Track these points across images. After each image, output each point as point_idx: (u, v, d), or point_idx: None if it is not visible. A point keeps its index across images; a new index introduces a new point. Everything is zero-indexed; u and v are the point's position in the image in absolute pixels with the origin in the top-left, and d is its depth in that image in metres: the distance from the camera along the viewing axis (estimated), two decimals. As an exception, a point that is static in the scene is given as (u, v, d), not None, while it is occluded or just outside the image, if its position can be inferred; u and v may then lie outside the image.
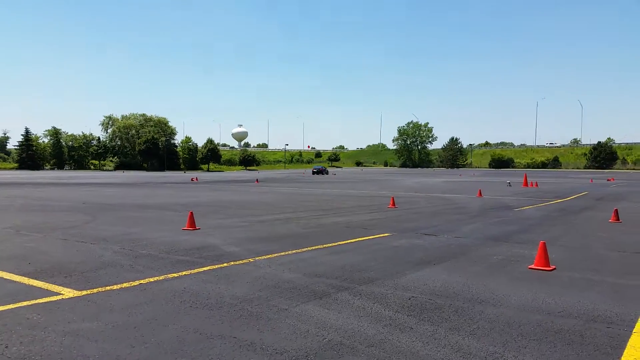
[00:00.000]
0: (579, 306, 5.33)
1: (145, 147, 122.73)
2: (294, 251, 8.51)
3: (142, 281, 6.25)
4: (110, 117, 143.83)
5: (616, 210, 14.14)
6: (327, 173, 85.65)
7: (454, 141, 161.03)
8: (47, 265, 7.18)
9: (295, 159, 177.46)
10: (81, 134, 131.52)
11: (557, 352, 4.01)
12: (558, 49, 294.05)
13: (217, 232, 10.88)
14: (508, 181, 42.70)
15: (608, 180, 53.72)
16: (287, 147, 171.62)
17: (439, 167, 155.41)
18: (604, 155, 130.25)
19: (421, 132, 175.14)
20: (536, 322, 4.78)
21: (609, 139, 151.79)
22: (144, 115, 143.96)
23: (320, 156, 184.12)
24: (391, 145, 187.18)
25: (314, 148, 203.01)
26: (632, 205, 19.39)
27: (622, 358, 3.91)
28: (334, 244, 9.38)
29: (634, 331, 4.54)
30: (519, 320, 4.83)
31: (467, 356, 3.91)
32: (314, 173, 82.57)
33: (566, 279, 6.64)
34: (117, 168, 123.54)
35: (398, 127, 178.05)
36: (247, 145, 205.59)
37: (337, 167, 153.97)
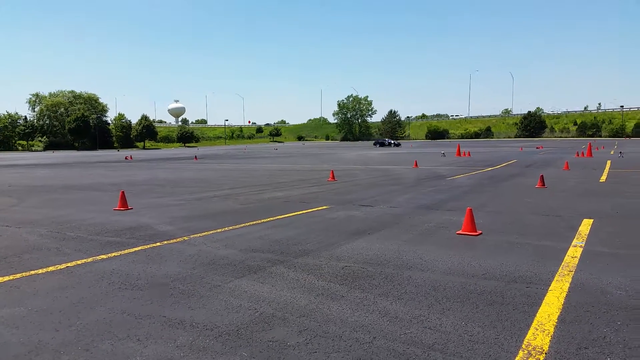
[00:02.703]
0: (501, 268, 5.62)
1: (75, 125, 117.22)
2: (230, 227, 8.44)
3: (69, 264, 6.03)
4: (37, 95, 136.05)
5: (542, 176, 14.91)
6: (394, 145, 72.42)
7: (392, 114, 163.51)
8: (-36, 253, 6.77)
9: (236, 134, 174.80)
10: (5, 113, 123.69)
11: (479, 313, 4.22)
12: (490, 22, 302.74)
13: (151, 211, 10.62)
14: (442, 152, 44.07)
15: (537, 148, 56.46)
16: (227, 123, 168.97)
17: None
18: (533, 125, 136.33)
19: (361, 106, 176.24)
20: (460, 284, 5.01)
21: (538, 108, 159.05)
22: (72, 92, 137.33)
23: (262, 131, 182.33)
24: (332, 119, 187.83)
25: (255, 123, 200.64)
26: (558, 171, 20.51)
27: (537, 314, 4.16)
28: (271, 218, 9.39)
29: (549, 289, 4.84)
30: (445, 283, 5.05)
31: (394, 320, 4.05)
32: (377, 144, 74.00)
33: (491, 243, 6.97)
34: (46, 148, 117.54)
35: (338, 101, 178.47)
36: (185, 121, 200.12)
37: (278, 142, 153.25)
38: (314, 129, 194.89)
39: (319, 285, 5.05)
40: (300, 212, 10.17)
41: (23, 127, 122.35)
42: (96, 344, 3.63)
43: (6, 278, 5.46)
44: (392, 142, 77.79)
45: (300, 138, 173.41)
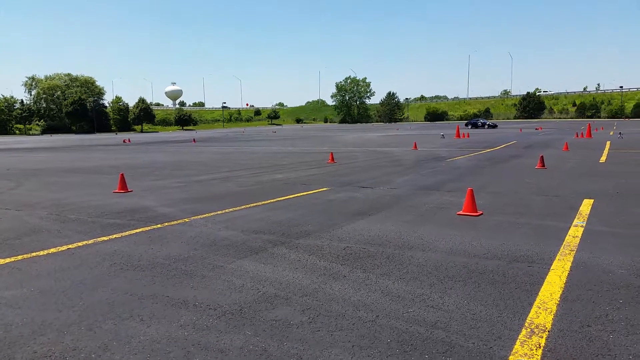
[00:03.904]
0: (503, 248, 5.62)
1: (72, 108, 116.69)
2: (231, 209, 8.43)
3: (70, 246, 6.03)
4: (33, 78, 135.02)
5: (542, 156, 14.89)
6: (489, 126, 63.09)
7: (391, 96, 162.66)
8: (-35, 235, 6.76)
9: (234, 117, 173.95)
10: (1, 97, 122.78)
11: (481, 292, 4.22)
12: (489, 2, 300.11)
13: (151, 193, 10.60)
14: (442, 133, 43.99)
15: (536, 129, 56.34)
16: (225, 106, 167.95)
17: (378, 122, 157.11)
18: (532, 106, 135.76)
19: (359, 88, 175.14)
20: (462, 264, 5.01)
21: (537, 89, 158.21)
22: (69, 75, 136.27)
23: (260, 114, 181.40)
24: (330, 102, 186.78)
25: (253, 106, 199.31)
26: (557, 152, 20.48)
27: (540, 293, 4.17)
28: (272, 200, 9.37)
29: (551, 268, 4.84)
30: (446, 263, 5.05)
31: (396, 299, 4.06)
32: (468, 126, 66.26)
33: (492, 223, 6.97)
34: (44, 132, 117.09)
35: (336, 83, 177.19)
36: (182, 104, 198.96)
37: (277, 124, 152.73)
38: (313, 111, 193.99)
39: (321, 265, 5.05)
40: (301, 194, 10.16)
41: (20, 111, 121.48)
42: (99, 324, 3.63)
43: (7, 260, 5.45)
44: (487, 122, 69.69)
45: (298, 121, 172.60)
